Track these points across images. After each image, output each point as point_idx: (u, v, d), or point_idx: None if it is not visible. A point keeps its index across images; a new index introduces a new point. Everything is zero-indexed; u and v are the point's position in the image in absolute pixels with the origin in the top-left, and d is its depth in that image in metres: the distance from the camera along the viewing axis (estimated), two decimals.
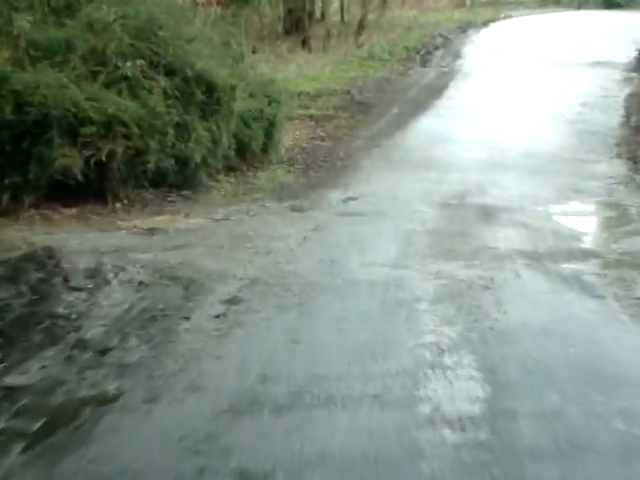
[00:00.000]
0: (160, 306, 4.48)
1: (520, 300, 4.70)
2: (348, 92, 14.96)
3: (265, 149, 9.00)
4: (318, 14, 21.88)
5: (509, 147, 11.27)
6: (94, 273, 4.91)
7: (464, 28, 21.58)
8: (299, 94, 14.50)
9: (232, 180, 8.36)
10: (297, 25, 20.17)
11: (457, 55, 18.55)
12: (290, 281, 4.88)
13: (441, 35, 20.38)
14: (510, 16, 25.61)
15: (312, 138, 11.52)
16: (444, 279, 4.95)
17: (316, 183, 8.72)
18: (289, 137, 11.34)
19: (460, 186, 8.80)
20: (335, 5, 22.68)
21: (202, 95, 7.80)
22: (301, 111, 13.35)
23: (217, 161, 8.08)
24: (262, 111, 8.76)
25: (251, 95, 8.76)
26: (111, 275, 4.88)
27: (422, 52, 18.59)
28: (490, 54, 18.46)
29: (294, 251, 5.70)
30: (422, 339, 4.16)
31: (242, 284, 4.84)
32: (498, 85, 15.70)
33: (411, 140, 11.64)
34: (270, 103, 9.00)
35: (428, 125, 12.70)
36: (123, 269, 4.92)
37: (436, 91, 15.27)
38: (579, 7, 37.92)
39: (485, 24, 22.52)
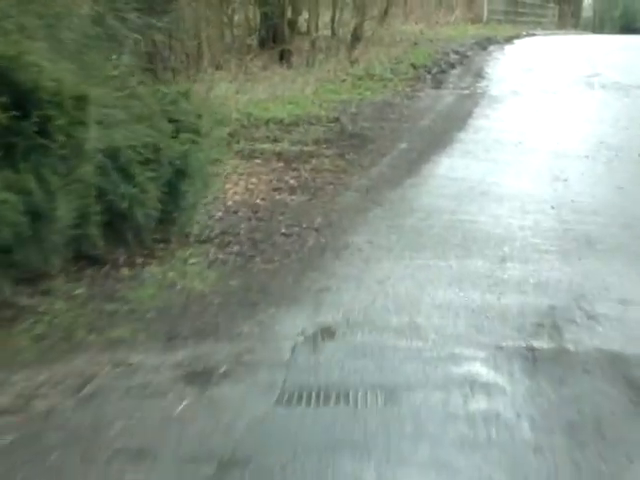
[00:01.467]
0: None
1: None
2: (337, 120, 10.77)
3: (168, 219, 4.75)
4: (304, 26, 17.75)
5: (586, 208, 7.09)
6: None
7: (483, 44, 17.47)
8: (267, 122, 10.32)
9: (80, 291, 4.08)
10: (275, 36, 16.00)
11: (479, 75, 14.38)
12: None
13: (456, 52, 16.25)
14: (533, 34, 21.55)
15: (275, 189, 7.29)
16: None
17: (261, 290, 4.45)
18: (237, 188, 7.12)
19: (538, 295, 4.57)
20: (326, 18, 18.56)
21: (3, 113, 3.55)
22: (266, 146, 9.16)
23: (42, 252, 3.80)
24: (159, 149, 4.49)
25: (140, 119, 4.50)
26: None
27: (434, 71, 14.43)
28: (522, 74, 14.31)
29: None
30: None
31: None
32: (541, 113, 11.53)
33: (430, 195, 7.41)
34: (178, 133, 4.74)
35: (452, 169, 8.48)
36: None
37: (458, 120, 11.07)
38: (594, 30, 34.30)
39: (508, 40, 18.42)
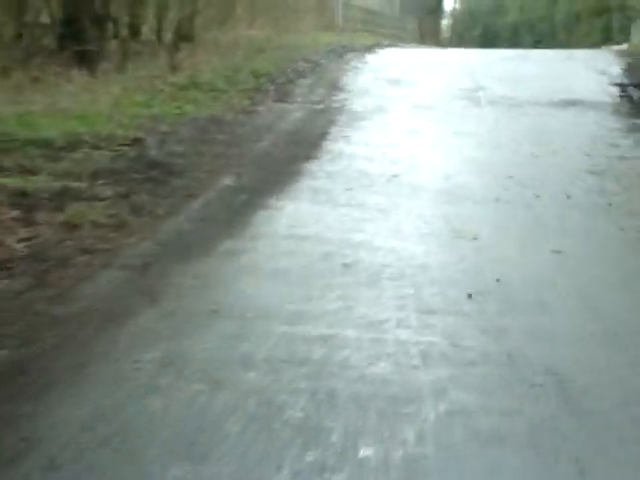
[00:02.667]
0: None
1: None
2: (138, 142, 7.53)
3: None
4: (122, 26, 14.35)
5: (523, 296, 4.15)
6: None
7: (339, 52, 14.55)
8: (26, 144, 6.96)
9: None
10: (79, 36, 12.56)
11: (336, 87, 11.37)
12: None
13: (307, 60, 13.26)
14: (396, 45, 18.85)
15: None
16: None
17: None
18: None
19: None
20: (150, 17, 15.20)
21: None
22: (9, 180, 5.82)
23: None
24: None
25: None
26: None
27: (279, 80, 11.37)
28: (389, 86, 11.37)
29: None
30: None
31: None
32: (418, 135, 8.59)
33: (256, 274, 4.26)
34: None
35: (299, 222, 5.41)
36: None
37: (308, 143, 8.01)
38: (447, 45, 32.68)
39: (369, 49, 15.55)
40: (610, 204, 6.23)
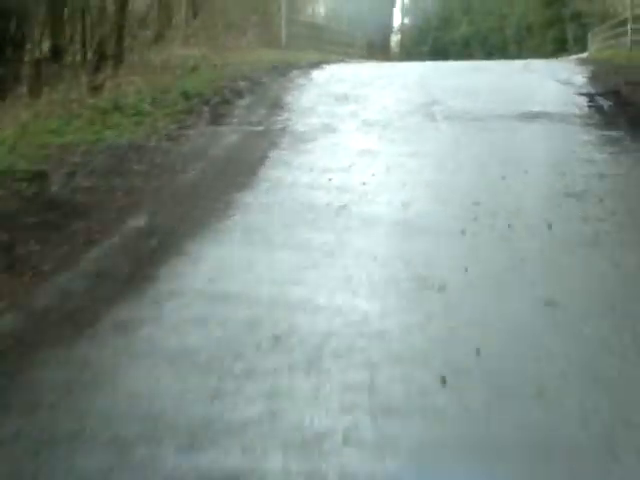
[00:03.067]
0: None
1: None
2: (39, 176, 6.39)
3: None
4: (44, 47, 13.16)
5: (513, 382, 3.02)
6: None
7: (282, 70, 13.46)
8: None
9: None
10: None
11: (278, 106, 10.27)
12: None
13: (247, 78, 12.14)
14: (344, 60, 17.85)
15: None
16: None
17: None
18: None
19: None
20: (77, 38, 14.00)
21: None
22: None
23: None
24: None
25: None
26: None
27: (214, 101, 10.23)
28: (337, 104, 10.28)
29: None
30: None
31: None
32: (369, 157, 7.49)
33: (156, 357, 3.12)
34: None
35: (220, 274, 4.30)
36: None
37: (243, 171, 6.92)
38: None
39: (315, 66, 14.48)
40: (598, 234, 5.21)
